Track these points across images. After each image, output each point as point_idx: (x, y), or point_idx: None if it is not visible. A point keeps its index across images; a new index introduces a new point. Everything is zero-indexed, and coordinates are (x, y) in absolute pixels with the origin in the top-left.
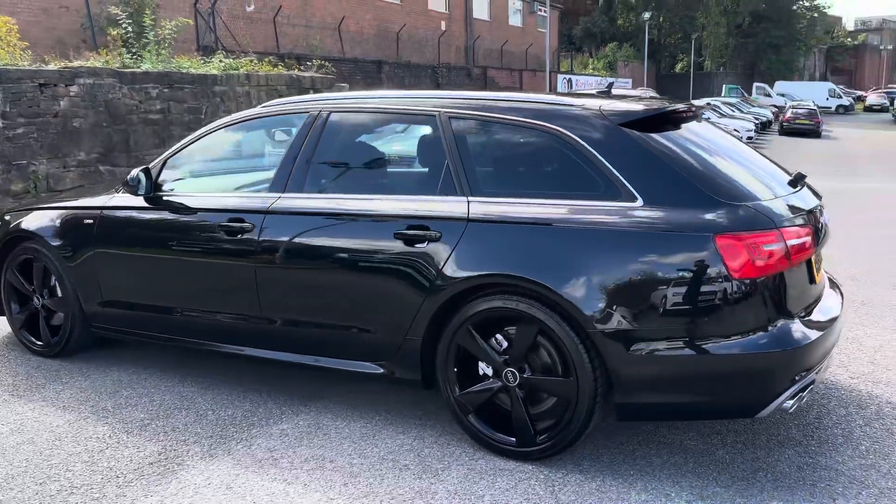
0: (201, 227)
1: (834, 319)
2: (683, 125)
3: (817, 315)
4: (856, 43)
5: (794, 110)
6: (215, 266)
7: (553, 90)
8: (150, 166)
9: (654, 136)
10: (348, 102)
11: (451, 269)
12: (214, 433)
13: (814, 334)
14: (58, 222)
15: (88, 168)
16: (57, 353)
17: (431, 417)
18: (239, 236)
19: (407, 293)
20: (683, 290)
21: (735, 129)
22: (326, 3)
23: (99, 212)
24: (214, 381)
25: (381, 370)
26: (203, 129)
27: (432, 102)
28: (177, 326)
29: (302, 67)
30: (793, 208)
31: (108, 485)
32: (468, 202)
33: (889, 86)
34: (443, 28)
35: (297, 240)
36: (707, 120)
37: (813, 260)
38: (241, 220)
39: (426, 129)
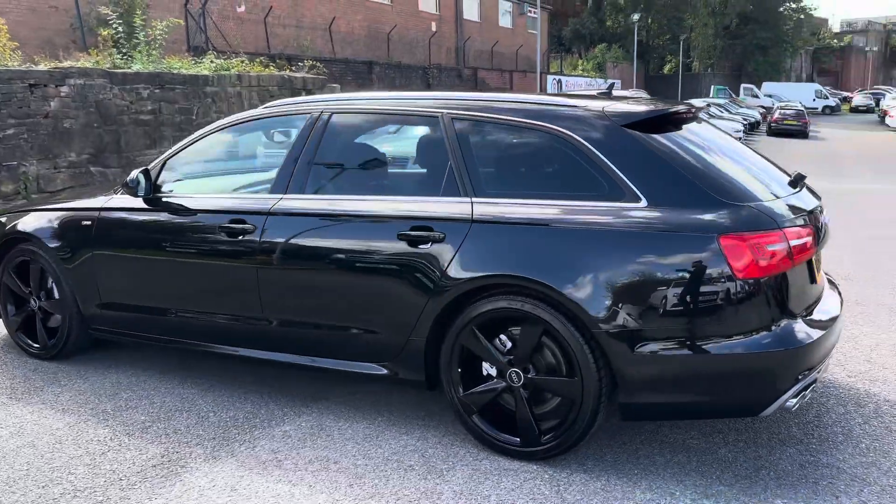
0: (202, 229)
1: (834, 319)
2: (684, 126)
3: (818, 315)
4: (842, 44)
5: (782, 111)
6: (216, 267)
7: (543, 91)
8: (149, 167)
9: (657, 136)
10: (350, 103)
11: (455, 270)
12: (217, 435)
13: (816, 334)
14: (55, 224)
15: (79, 169)
16: (54, 356)
17: (434, 418)
18: (240, 238)
19: (410, 294)
20: (688, 290)
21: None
22: (317, 3)
23: (97, 213)
24: (214, 382)
25: (385, 371)
26: (203, 130)
27: (434, 103)
28: (176, 328)
29: (293, 68)
30: (794, 209)
31: (111, 487)
32: (472, 203)
33: (874, 87)
34: (433, 29)
35: (299, 241)
36: (707, 121)
37: (814, 260)
38: (243, 222)
39: (428, 130)
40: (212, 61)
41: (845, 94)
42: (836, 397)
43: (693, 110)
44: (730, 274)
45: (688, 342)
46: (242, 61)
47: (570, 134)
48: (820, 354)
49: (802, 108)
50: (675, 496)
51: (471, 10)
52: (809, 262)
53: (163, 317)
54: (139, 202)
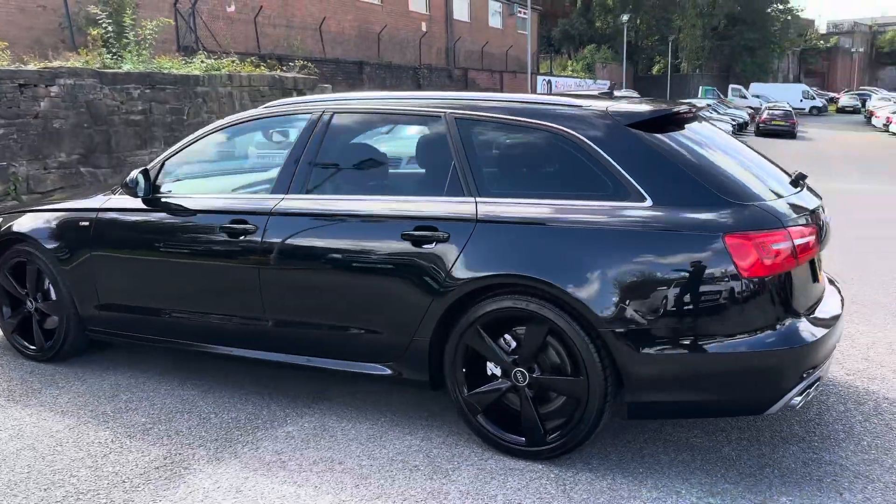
0: (202, 229)
1: (836, 317)
2: (686, 125)
3: (821, 313)
4: (828, 45)
5: (770, 111)
6: (217, 268)
7: (534, 92)
8: (148, 167)
9: (660, 136)
10: (352, 103)
11: (459, 270)
12: (219, 436)
13: (819, 332)
14: (52, 224)
15: (69, 169)
16: (51, 358)
17: (437, 418)
18: (241, 238)
19: (415, 294)
20: (693, 289)
21: None
22: (307, 3)
23: (95, 214)
24: (214, 384)
25: (389, 371)
26: (202, 131)
27: (437, 103)
28: (175, 329)
29: (284, 68)
30: (797, 208)
31: (114, 490)
32: (476, 203)
33: (861, 88)
34: (423, 29)
35: (302, 241)
36: (708, 121)
37: (816, 259)
38: (244, 222)
39: (432, 130)
40: (202, 61)
41: (832, 94)
42: (835, 395)
43: (694, 110)
44: (735, 273)
45: (694, 341)
46: (233, 61)
47: (574, 134)
48: (823, 353)
49: (790, 109)
50: (681, 494)
51: (461, 11)
52: (812, 262)
53: (162, 318)
54: (138, 202)
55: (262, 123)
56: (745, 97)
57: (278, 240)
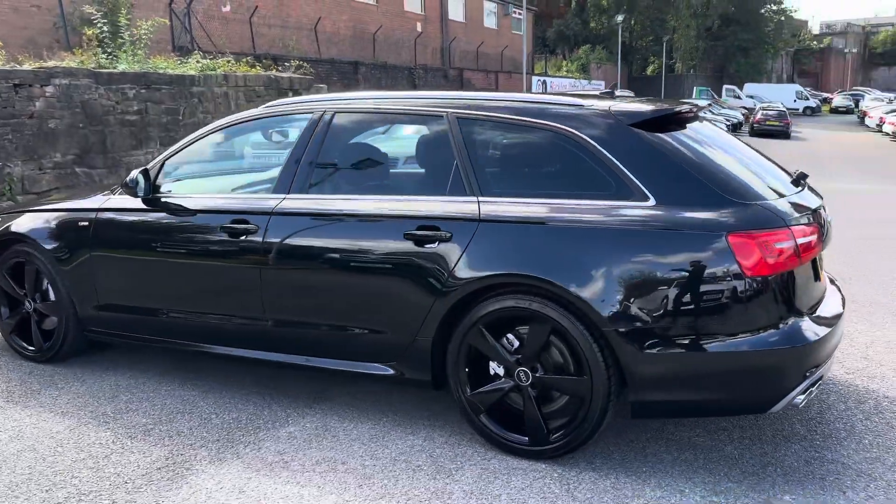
0: (203, 229)
1: (838, 316)
2: (688, 125)
3: (823, 312)
4: (821, 46)
5: (764, 112)
6: (218, 268)
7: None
8: (148, 167)
9: (663, 136)
10: (353, 103)
11: (462, 270)
12: (221, 437)
13: (822, 331)
14: (51, 224)
15: (65, 170)
16: (49, 359)
17: (439, 418)
18: (243, 238)
19: (417, 293)
20: (697, 288)
21: None
22: (302, 3)
23: (95, 214)
24: (214, 384)
25: (391, 371)
26: (202, 130)
27: (439, 103)
28: (176, 329)
29: (279, 68)
30: (799, 207)
31: (117, 491)
32: (479, 202)
33: (854, 88)
34: (419, 29)
35: (304, 241)
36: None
37: (817, 258)
38: (245, 222)
39: (433, 130)
40: (198, 61)
41: (825, 95)
42: (836, 394)
43: (695, 109)
44: (739, 272)
45: (697, 340)
46: (228, 61)
47: (577, 133)
48: (826, 351)
49: (784, 109)
50: (685, 493)
51: (456, 11)
52: (814, 261)
53: (162, 318)
54: (138, 202)
55: (262, 123)
56: (739, 97)
57: (280, 240)
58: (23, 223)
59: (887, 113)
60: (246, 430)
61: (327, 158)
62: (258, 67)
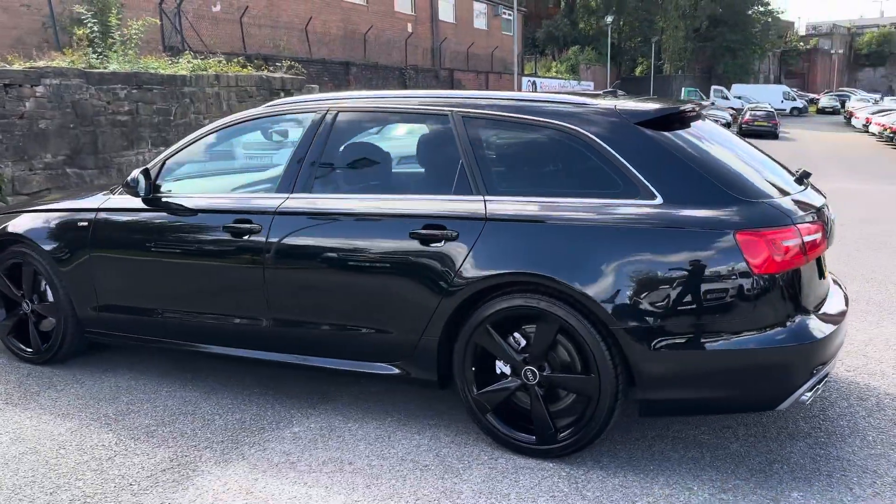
0: (205, 229)
1: (843, 314)
2: (692, 123)
3: (829, 310)
4: (808, 47)
5: (753, 112)
6: (220, 268)
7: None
8: (148, 167)
9: (668, 134)
10: (357, 102)
11: (469, 268)
12: (225, 438)
13: (828, 328)
14: (49, 225)
15: (56, 170)
16: (47, 360)
17: (444, 417)
18: (245, 238)
19: (423, 293)
20: (705, 286)
21: None
22: (293, 3)
23: (94, 214)
24: (216, 385)
25: (396, 371)
26: (203, 130)
27: (443, 102)
28: (178, 330)
29: (271, 68)
30: (804, 205)
31: (122, 493)
32: (485, 201)
33: (840, 89)
34: (409, 30)
35: (308, 241)
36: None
37: (822, 256)
38: (248, 222)
39: (438, 129)
40: (189, 61)
41: (812, 95)
42: (837, 391)
43: (698, 108)
44: (747, 270)
45: (706, 338)
46: (220, 61)
47: (583, 132)
48: (832, 349)
49: (772, 110)
50: (694, 491)
51: (446, 12)
52: (818, 259)
53: (163, 318)
54: (138, 202)
55: (263, 123)
56: (726, 98)
57: (284, 239)
58: (20, 223)
59: (873, 114)
60: (250, 431)
61: (331, 158)
62: (249, 68)
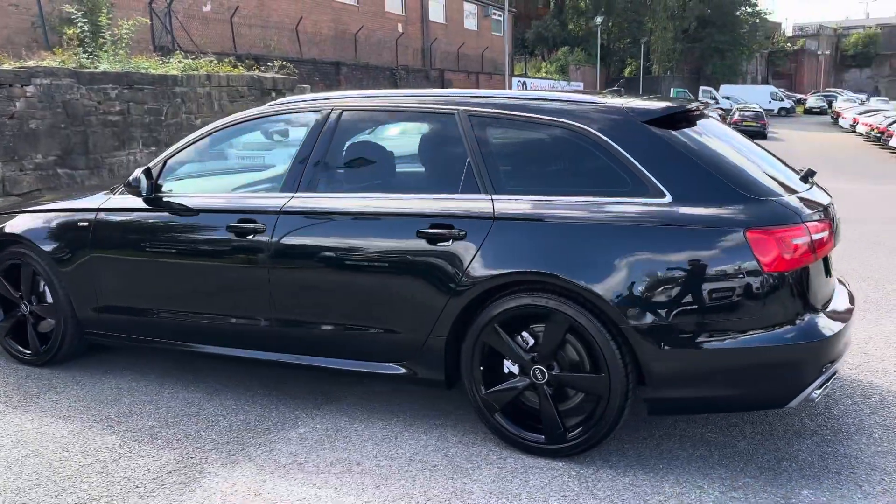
0: (208, 229)
1: (850, 311)
2: (698, 122)
3: (836, 307)
4: (795, 48)
5: (741, 113)
6: (224, 268)
7: None
8: (150, 166)
9: (676, 132)
10: (361, 101)
11: (477, 268)
12: (231, 439)
13: (837, 326)
14: (48, 225)
15: (46, 171)
16: (46, 362)
17: (450, 417)
18: (250, 237)
19: (431, 292)
20: (715, 284)
21: None
22: (283, 3)
23: (94, 214)
24: (218, 386)
25: (403, 371)
26: (205, 129)
27: (449, 100)
28: (180, 331)
29: (262, 68)
30: (812, 203)
31: (128, 495)
32: (492, 200)
33: (826, 89)
34: (400, 30)
35: (313, 240)
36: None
37: (828, 255)
38: (253, 221)
39: (444, 128)
40: (180, 61)
41: (799, 96)
42: (841, 389)
43: (702, 107)
44: (757, 268)
45: (715, 336)
46: (211, 61)
47: (591, 130)
48: (841, 346)
49: (761, 110)
50: (704, 489)
51: (436, 12)
52: (825, 258)
53: (165, 319)
54: (140, 202)
55: (266, 122)
56: (715, 99)
57: (289, 239)
58: (18, 224)
59: (860, 114)
60: (255, 433)
61: (336, 157)
62: (241, 67)
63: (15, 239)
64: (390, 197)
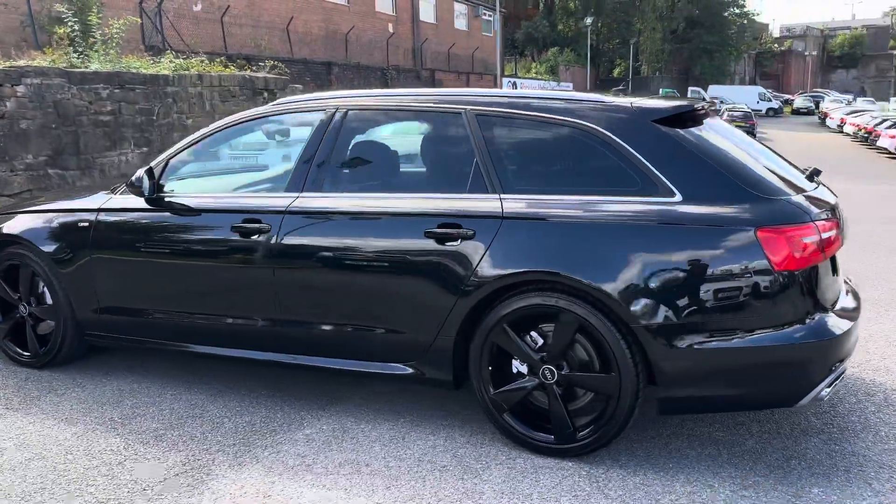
0: (212, 229)
1: (858, 310)
2: (705, 121)
3: (844, 306)
4: (782, 49)
5: (731, 113)
6: (228, 268)
7: None
8: (152, 166)
9: (684, 132)
10: (366, 100)
11: (486, 267)
12: (236, 441)
13: (846, 325)
14: (48, 225)
15: (37, 171)
16: (45, 364)
17: (457, 418)
18: (254, 237)
19: (439, 292)
20: (726, 283)
21: None
22: (274, 3)
23: (95, 215)
24: (221, 387)
25: (410, 371)
26: (207, 129)
27: (456, 100)
28: (183, 332)
29: (254, 68)
30: (820, 202)
31: (136, 498)
32: (501, 199)
33: (814, 90)
34: (390, 30)
35: (319, 240)
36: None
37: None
38: (258, 221)
39: (451, 127)
40: (171, 61)
41: (787, 96)
42: (845, 387)
43: (708, 106)
44: (768, 267)
45: (726, 335)
46: (202, 61)
47: (600, 129)
48: (850, 345)
49: (750, 111)
50: (715, 488)
51: (427, 12)
52: (832, 257)
53: (167, 320)
54: (141, 202)
55: (269, 121)
56: (704, 99)
57: (295, 239)
58: (17, 224)
59: (848, 114)
60: (261, 434)
61: (341, 156)
62: (232, 67)
63: (13, 240)
64: (397, 197)
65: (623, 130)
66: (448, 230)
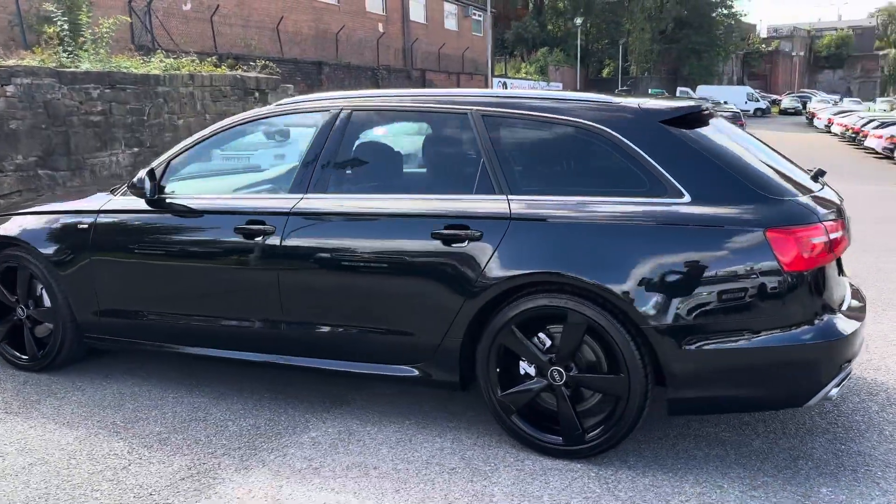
0: (215, 230)
1: (863, 309)
2: (711, 122)
3: (852, 305)
4: (770, 49)
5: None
6: (232, 270)
7: None
8: (153, 166)
9: (692, 133)
10: (371, 101)
11: (494, 269)
12: (242, 444)
13: (854, 324)
14: (46, 227)
15: (27, 172)
16: (44, 367)
17: (463, 419)
18: (258, 239)
19: (446, 294)
20: (736, 284)
21: None
22: (264, 3)
23: (95, 216)
24: (223, 390)
25: (417, 373)
26: (209, 130)
27: (461, 100)
28: (185, 334)
29: (244, 68)
30: (826, 203)
31: (143, 503)
32: (508, 200)
33: (801, 90)
34: (381, 30)
35: (325, 242)
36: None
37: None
38: (262, 223)
39: (457, 128)
40: (161, 61)
41: (774, 96)
42: (847, 387)
43: (711, 106)
44: (777, 267)
45: (736, 336)
46: (193, 60)
47: (608, 130)
48: (858, 344)
49: (738, 111)
50: (724, 489)
51: (417, 12)
52: (838, 258)
53: (169, 323)
54: (142, 203)
55: (271, 122)
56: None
57: (300, 241)
58: (14, 226)
59: (835, 114)
60: (267, 437)
61: (346, 157)
62: (223, 67)
63: (11, 241)
64: (403, 198)
65: (631, 131)
66: (455, 231)
